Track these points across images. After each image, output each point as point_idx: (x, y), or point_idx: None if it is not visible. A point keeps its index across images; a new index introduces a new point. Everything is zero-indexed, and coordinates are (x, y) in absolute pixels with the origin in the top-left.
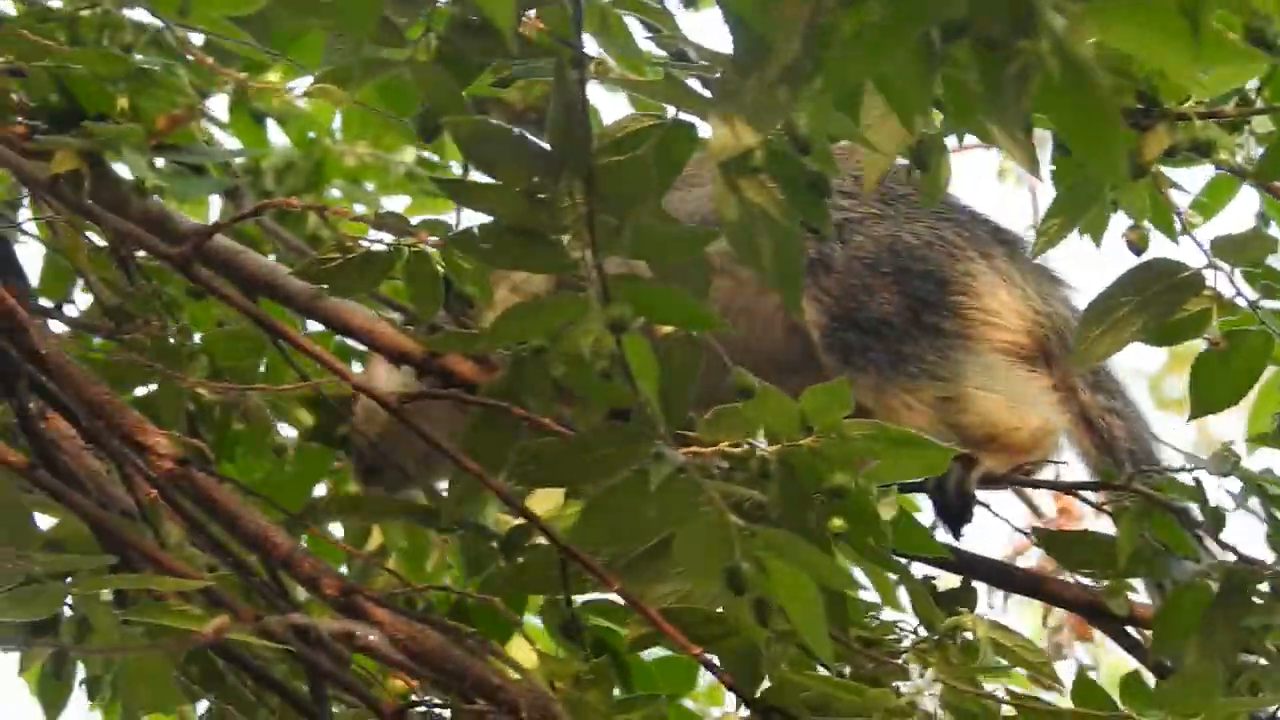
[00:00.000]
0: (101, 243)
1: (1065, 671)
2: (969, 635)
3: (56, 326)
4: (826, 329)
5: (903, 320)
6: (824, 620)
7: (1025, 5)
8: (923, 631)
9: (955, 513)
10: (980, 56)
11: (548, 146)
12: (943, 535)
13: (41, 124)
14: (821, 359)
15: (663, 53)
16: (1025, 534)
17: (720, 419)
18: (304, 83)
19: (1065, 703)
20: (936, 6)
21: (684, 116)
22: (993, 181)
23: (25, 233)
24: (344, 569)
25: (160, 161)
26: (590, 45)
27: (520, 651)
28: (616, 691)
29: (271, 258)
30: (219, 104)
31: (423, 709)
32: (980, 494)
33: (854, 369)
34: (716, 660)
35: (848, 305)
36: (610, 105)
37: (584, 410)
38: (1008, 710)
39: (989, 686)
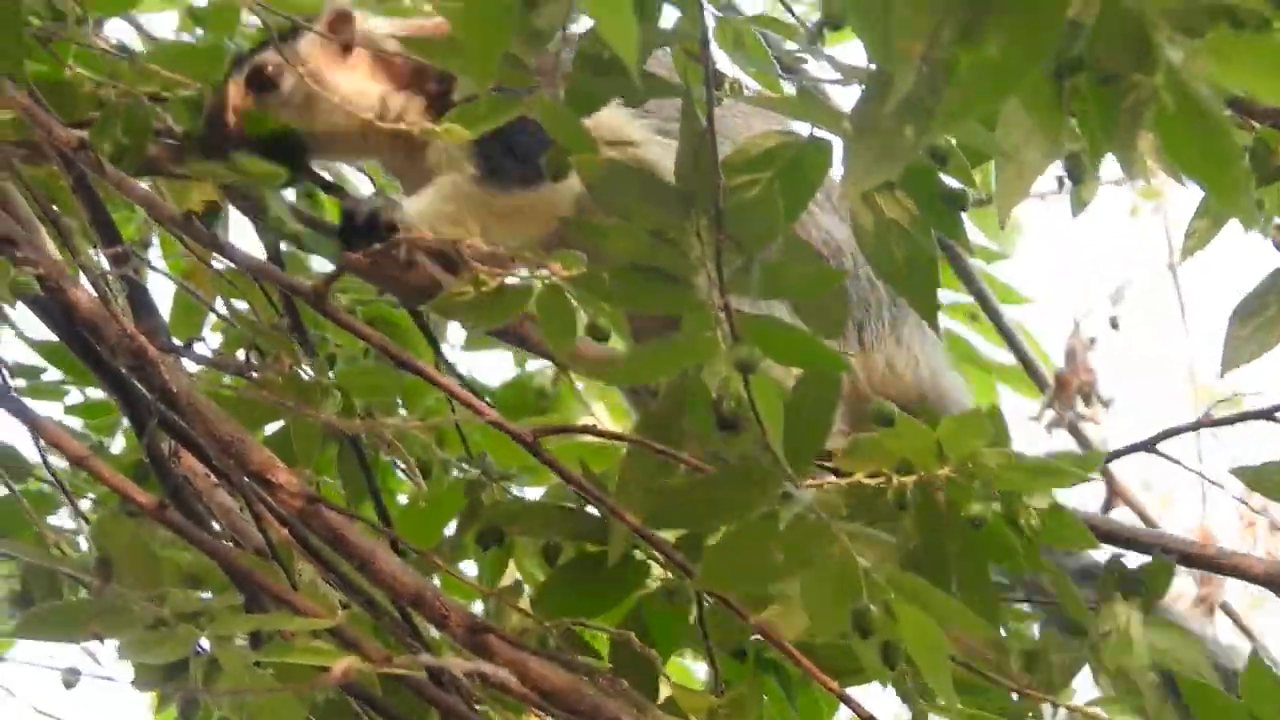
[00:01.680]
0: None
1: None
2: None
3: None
4: None
5: None
6: (947, 663)
7: (1142, 40)
8: None
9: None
10: (1096, 90)
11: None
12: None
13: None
14: None
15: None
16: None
17: (858, 448)
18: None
19: None
20: (1054, 42)
21: (819, 133)
22: (1126, 218)
23: (156, 270)
24: (477, 606)
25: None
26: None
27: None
28: None
29: None
30: None
31: None
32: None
33: None
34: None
35: None
36: None
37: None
38: None
39: None
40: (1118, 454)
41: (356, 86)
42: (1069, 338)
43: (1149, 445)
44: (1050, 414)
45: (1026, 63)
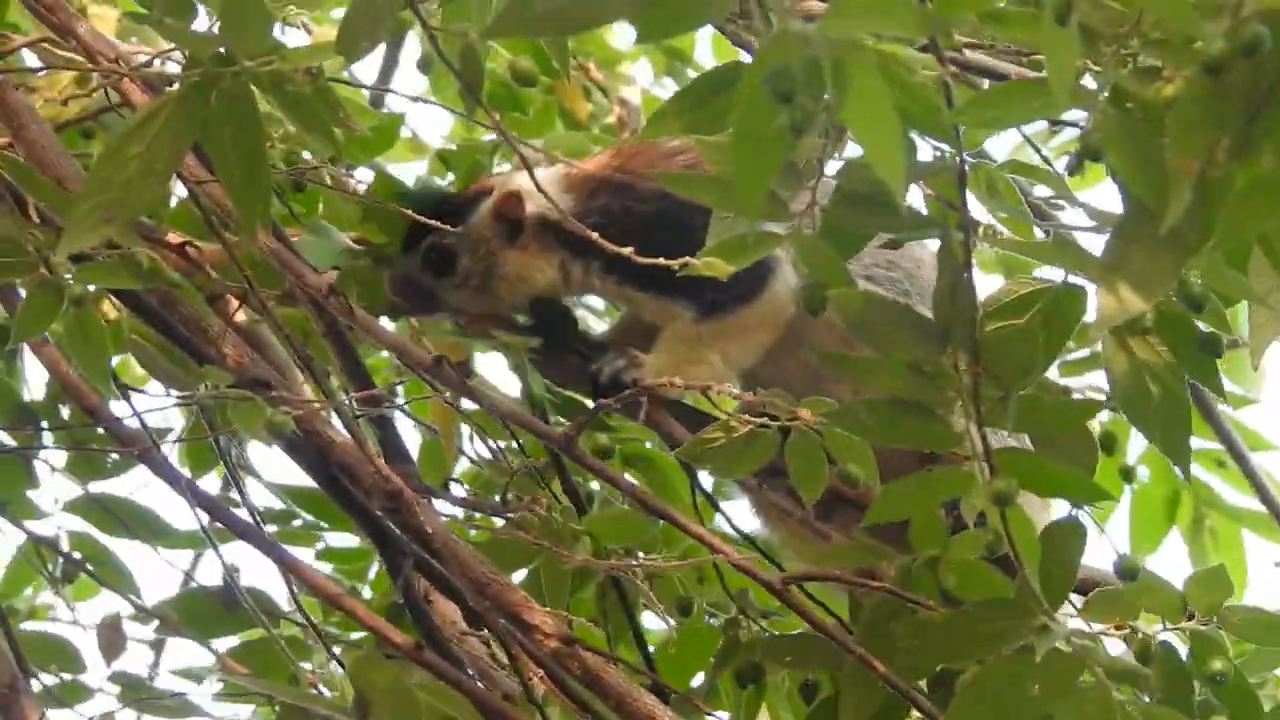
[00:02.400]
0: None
1: None
2: None
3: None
4: None
5: None
6: None
7: None
8: None
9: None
10: None
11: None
12: None
13: None
14: None
15: (1048, 216)
16: None
17: (1100, 601)
18: None
19: None
20: None
21: (1073, 280)
22: None
23: (408, 414)
24: None
25: None
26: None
27: None
28: None
29: None
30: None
31: None
32: None
33: None
34: None
35: None
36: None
37: None
38: None
39: None
40: None
41: (532, 262)
42: None
43: None
44: None
45: None
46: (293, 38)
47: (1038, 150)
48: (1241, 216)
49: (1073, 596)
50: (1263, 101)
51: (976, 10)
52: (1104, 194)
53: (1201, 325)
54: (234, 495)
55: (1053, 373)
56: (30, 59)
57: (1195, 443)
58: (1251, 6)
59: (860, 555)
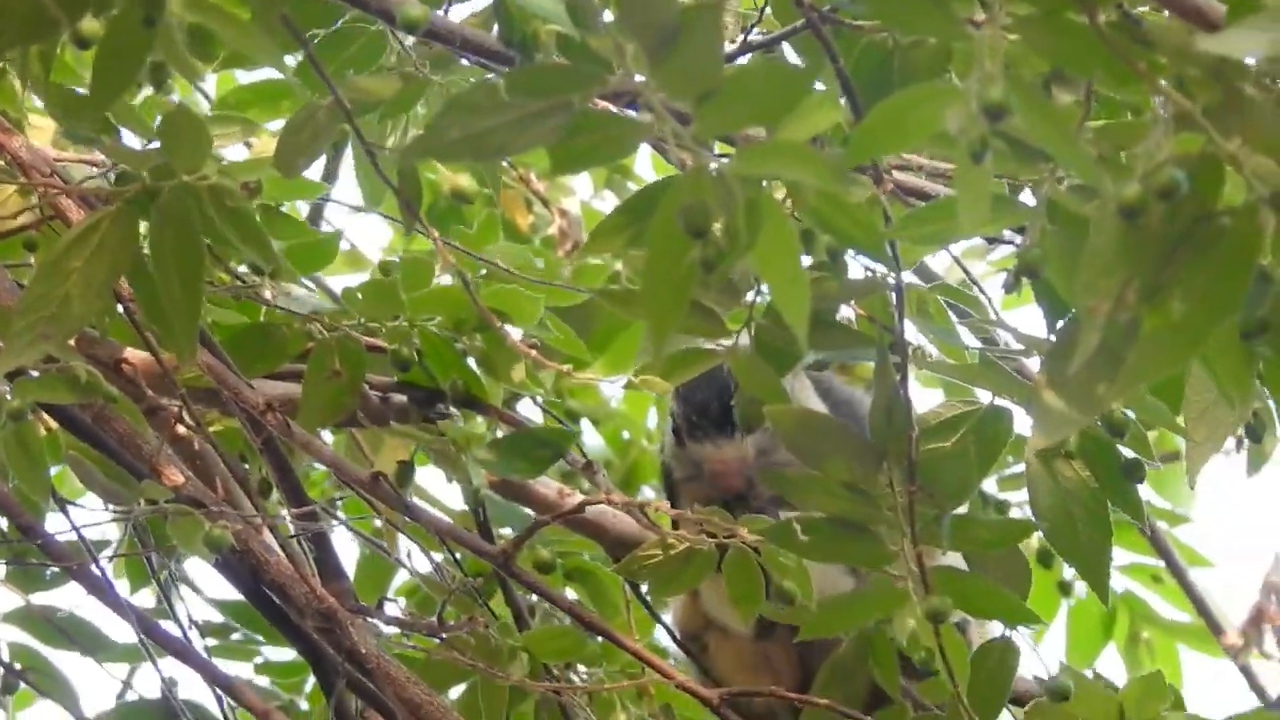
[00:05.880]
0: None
1: None
2: None
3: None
4: None
5: None
6: None
7: None
8: None
9: None
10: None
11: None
12: None
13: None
14: None
15: (977, 340)
16: None
17: (1036, 714)
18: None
19: None
20: (1240, 302)
21: (1000, 402)
22: None
23: (349, 528)
24: None
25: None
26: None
27: None
28: None
29: None
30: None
31: None
32: None
33: None
34: None
35: None
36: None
37: None
38: None
39: None
40: None
41: None
42: (1269, 573)
43: None
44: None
45: (1211, 323)
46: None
47: (966, 272)
48: (1149, 360)
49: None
50: (1176, 247)
51: (885, 154)
52: (1033, 312)
53: (1126, 451)
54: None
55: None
56: None
57: (1131, 558)
58: (1168, 151)
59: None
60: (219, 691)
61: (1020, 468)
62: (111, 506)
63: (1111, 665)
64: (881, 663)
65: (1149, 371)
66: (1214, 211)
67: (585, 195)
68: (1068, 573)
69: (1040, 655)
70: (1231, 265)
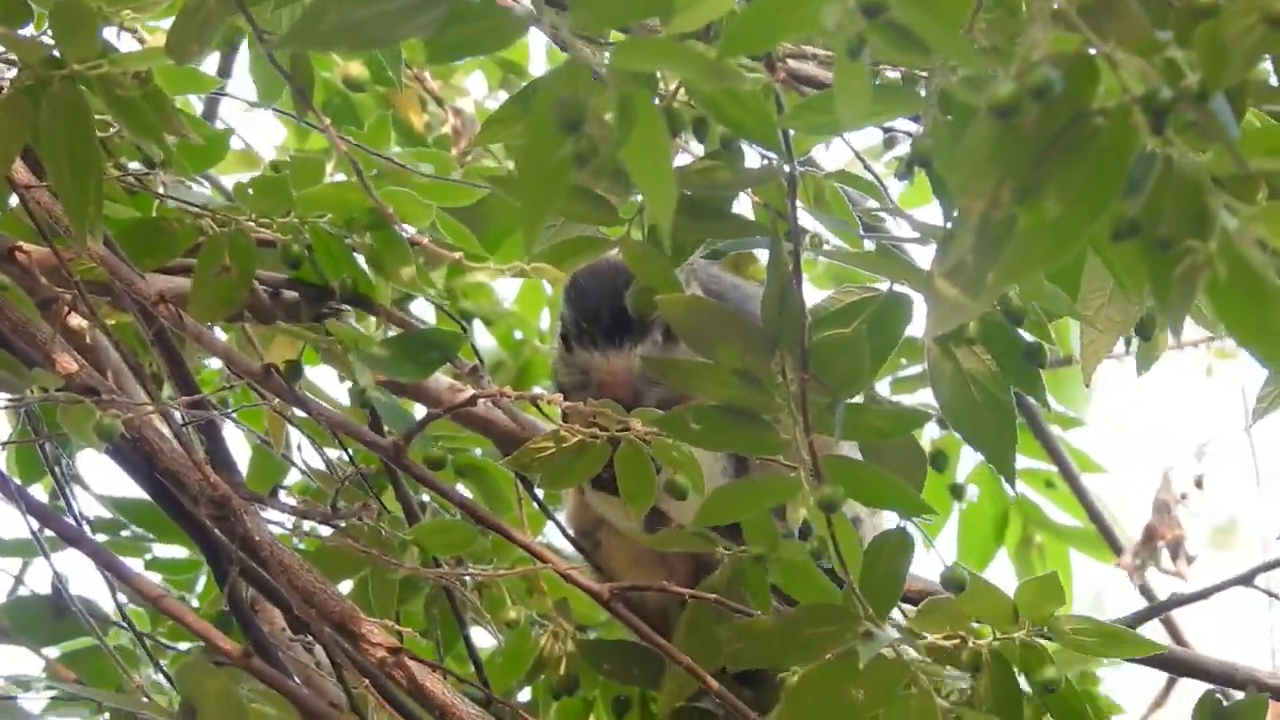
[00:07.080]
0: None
1: None
2: None
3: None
4: None
5: None
6: None
7: (1199, 207)
8: None
9: None
10: (1149, 255)
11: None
12: None
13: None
14: None
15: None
16: None
17: (931, 610)
18: (513, 284)
19: None
20: (1111, 203)
21: (898, 289)
22: (1201, 379)
23: (236, 422)
24: None
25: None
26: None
27: None
28: None
29: None
30: (419, 306)
31: None
32: None
33: None
34: None
35: None
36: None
37: None
38: None
39: None
40: (1182, 601)
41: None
42: (1159, 492)
43: (1208, 594)
44: (1136, 565)
45: (1083, 224)
46: (126, 44)
47: (865, 164)
48: (1022, 258)
49: (906, 607)
50: (1050, 147)
51: (763, 48)
52: (933, 212)
53: (1027, 336)
54: (62, 504)
55: (884, 389)
56: None
57: (1025, 462)
58: (1044, 50)
59: (689, 542)
60: (109, 576)
61: (915, 369)
62: (4, 395)
63: (1002, 571)
64: (754, 590)
65: (1023, 269)
66: (1088, 111)
67: (480, 95)
68: (960, 476)
69: (936, 555)
70: (1105, 165)
